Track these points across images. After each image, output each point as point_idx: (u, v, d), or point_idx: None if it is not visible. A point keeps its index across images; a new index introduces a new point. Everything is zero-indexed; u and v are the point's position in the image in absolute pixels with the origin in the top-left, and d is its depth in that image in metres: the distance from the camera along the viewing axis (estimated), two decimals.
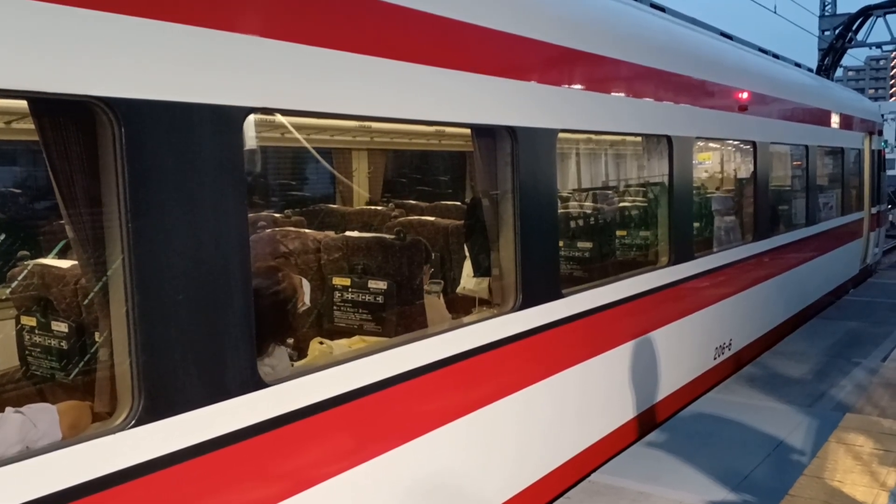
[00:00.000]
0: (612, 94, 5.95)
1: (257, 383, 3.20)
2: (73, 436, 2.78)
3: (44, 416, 2.80)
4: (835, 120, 12.22)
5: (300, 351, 4.60)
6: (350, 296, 4.95)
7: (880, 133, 16.40)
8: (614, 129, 6.31)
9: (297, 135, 4.75)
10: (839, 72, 26.30)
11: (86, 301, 3.51)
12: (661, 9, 7.99)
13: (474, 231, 5.53)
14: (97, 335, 3.35)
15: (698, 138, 7.45)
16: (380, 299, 4.83)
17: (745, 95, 8.27)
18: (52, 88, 2.53)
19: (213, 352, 3.03)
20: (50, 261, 4.02)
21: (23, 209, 5.41)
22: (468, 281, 5.81)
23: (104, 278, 2.89)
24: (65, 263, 3.91)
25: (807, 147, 10.70)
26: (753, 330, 8.95)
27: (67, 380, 3.64)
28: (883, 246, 17.99)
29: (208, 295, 2.99)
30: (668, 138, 6.73)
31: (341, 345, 4.55)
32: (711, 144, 9.07)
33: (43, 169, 2.98)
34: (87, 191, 2.83)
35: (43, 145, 2.82)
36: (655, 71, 6.55)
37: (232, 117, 3.06)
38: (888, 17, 21.81)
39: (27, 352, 3.93)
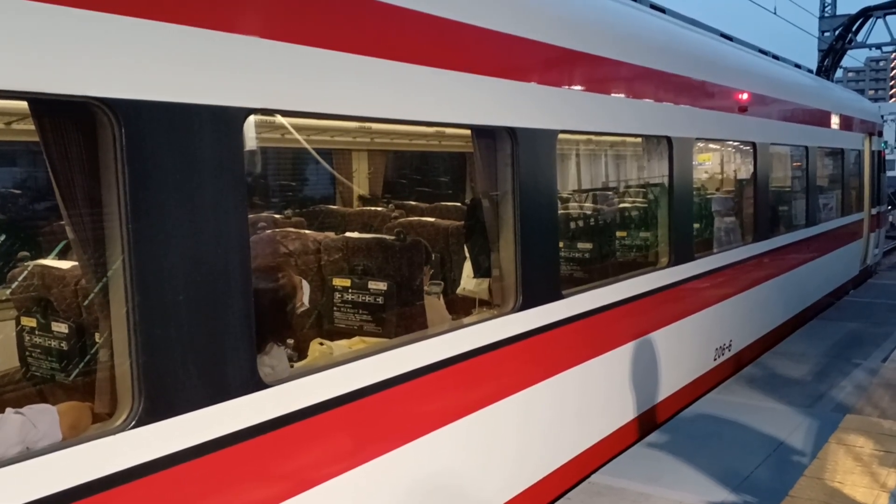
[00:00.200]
0: (612, 94, 5.95)
1: (257, 384, 3.20)
2: (73, 437, 2.78)
3: (44, 417, 2.80)
4: (835, 121, 12.22)
5: (300, 352, 4.60)
6: (350, 297, 4.94)
7: (880, 134, 16.40)
8: (614, 130, 6.31)
9: (297, 136, 4.75)
10: (839, 73, 26.31)
11: (86, 302, 3.51)
12: (661, 10, 8.00)
13: (474, 232, 5.53)
14: (97, 336, 3.35)
15: (698, 139, 7.45)
16: (380, 300, 4.83)
17: (744, 96, 8.27)
18: (52, 89, 2.53)
19: (214, 353, 3.03)
20: (50, 261, 4.02)
21: (23, 210, 5.41)
22: (468, 282, 5.80)
23: (104, 279, 2.89)
24: (65, 264, 3.91)
25: (807, 148, 10.70)
26: (753, 331, 8.95)
27: (67, 381, 3.64)
28: (883, 247, 18.00)
29: (208, 296, 2.99)
30: (668, 139, 6.73)
31: (341, 346, 4.55)
32: (711, 145, 9.08)
33: (43, 170, 2.98)
34: (88, 191, 2.83)
35: (43, 146, 2.82)
36: (655, 72, 6.56)
37: (232, 118, 3.06)
38: (888, 18, 21.80)
39: (27, 353, 3.93)
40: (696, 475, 5.48)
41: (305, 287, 4.31)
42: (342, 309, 5.00)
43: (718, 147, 9.63)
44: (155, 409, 2.82)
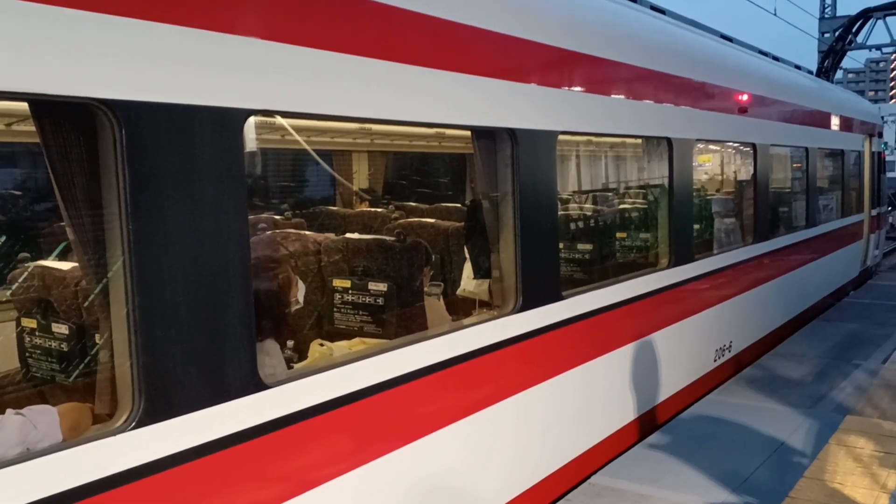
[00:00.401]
0: (613, 96, 5.96)
1: (257, 385, 3.20)
2: (73, 437, 2.78)
3: (44, 418, 2.80)
4: (834, 122, 12.23)
5: (300, 353, 4.60)
6: (350, 298, 4.94)
7: (880, 135, 16.40)
8: (614, 131, 6.31)
9: (297, 137, 4.75)
10: (839, 74, 26.29)
11: (86, 303, 3.51)
12: (661, 11, 8.00)
13: (474, 233, 5.53)
14: (97, 337, 3.35)
15: (698, 140, 7.45)
16: (380, 301, 4.83)
17: (744, 97, 8.28)
18: (52, 90, 2.54)
19: (214, 354, 3.03)
20: (50, 263, 4.02)
21: (23, 211, 5.41)
22: (468, 283, 5.81)
23: (105, 280, 2.89)
24: (65, 265, 3.91)
25: (807, 149, 10.70)
26: (753, 332, 8.95)
27: (68, 381, 3.64)
28: (883, 248, 17.99)
29: (208, 297, 2.99)
30: (668, 140, 6.74)
31: (341, 347, 4.55)
32: (711, 146, 9.08)
33: (43, 171, 2.98)
34: (88, 192, 2.83)
35: (44, 147, 2.83)
36: (655, 73, 6.56)
37: (232, 119, 3.07)
38: (888, 19, 21.81)
39: (28, 354, 3.93)
40: (697, 476, 5.48)
41: (301, 285, 4.31)
42: (342, 310, 5.00)
43: (718, 148, 9.63)
44: (155, 409, 2.82)
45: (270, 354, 3.86)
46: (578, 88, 5.46)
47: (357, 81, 3.65)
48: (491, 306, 5.10)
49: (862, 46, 22.83)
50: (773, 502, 5.03)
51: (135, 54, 2.74)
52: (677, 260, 6.86)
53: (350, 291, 4.95)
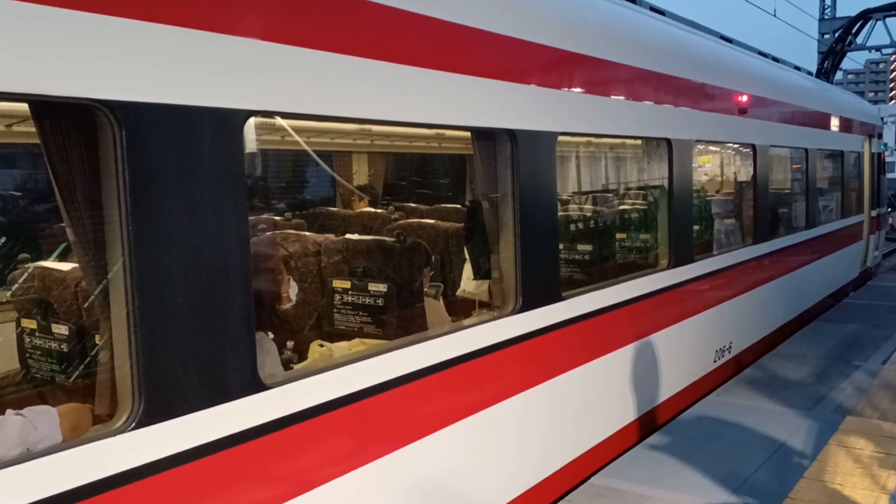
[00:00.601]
0: (612, 97, 5.96)
1: (257, 385, 3.20)
2: (73, 438, 2.78)
3: (44, 419, 2.80)
4: (834, 123, 12.23)
5: (300, 353, 4.60)
6: (350, 298, 4.94)
7: (880, 136, 16.41)
8: (614, 132, 6.31)
9: (297, 138, 4.75)
10: (839, 75, 26.29)
11: (86, 304, 3.51)
12: (661, 12, 8.00)
13: (474, 234, 5.53)
14: (97, 338, 3.35)
15: (698, 141, 7.46)
16: (380, 302, 4.83)
17: (744, 98, 8.28)
18: (53, 91, 2.54)
19: (214, 354, 3.03)
20: (50, 263, 4.03)
21: (23, 212, 5.41)
22: (468, 283, 5.81)
23: (105, 281, 2.89)
24: (65, 266, 3.91)
25: (806, 150, 10.71)
26: (753, 333, 8.95)
27: (68, 382, 3.64)
28: (883, 249, 17.99)
29: (208, 297, 3.00)
30: (668, 141, 6.74)
31: (341, 347, 4.55)
32: (711, 147, 9.08)
33: (44, 172, 2.98)
34: (88, 193, 2.83)
35: (44, 148, 2.83)
36: (655, 74, 6.56)
37: (232, 120, 3.07)
38: (888, 20, 21.82)
39: (28, 354, 3.93)
40: (697, 477, 5.48)
41: (293, 284, 4.32)
42: (342, 311, 5.00)
43: (718, 149, 9.64)
44: (155, 410, 2.82)
45: (265, 354, 3.86)
46: (578, 89, 5.47)
47: (357, 82, 3.65)
48: (491, 307, 5.11)
49: (862, 47, 22.85)
50: (773, 503, 5.03)
51: (135, 55, 2.74)
52: (677, 261, 6.86)
53: (350, 292, 4.96)
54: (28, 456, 2.58)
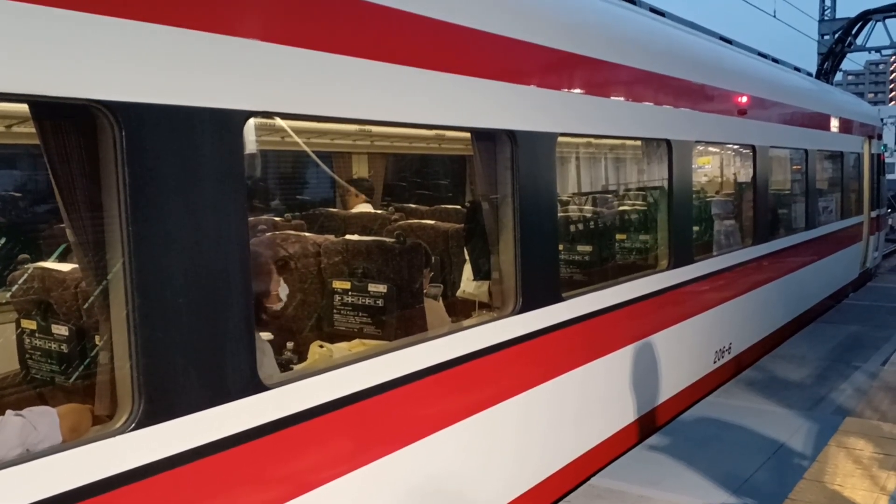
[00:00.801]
0: (612, 97, 5.96)
1: (257, 386, 3.20)
2: (73, 439, 2.78)
3: (44, 420, 2.80)
4: (834, 124, 12.23)
5: (300, 354, 4.60)
6: (350, 299, 4.94)
7: (880, 137, 16.42)
8: (614, 133, 6.32)
9: (296, 138, 4.76)
10: (839, 76, 26.30)
11: (86, 304, 3.51)
12: (661, 13, 8.01)
13: (474, 234, 5.53)
14: (97, 338, 3.35)
15: (698, 142, 7.46)
16: (380, 303, 4.83)
17: (744, 99, 8.29)
18: (53, 92, 2.54)
19: (214, 355, 3.04)
20: (50, 264, 4.03)
21: (23, 213, 5.42)
22: (468, 284, 5.81)
23: (104, 281, 2.89)
24: (65, 267, 3.91)
25: (806, 151, 10.71)
26: (753, 333, 8.95)
27: (68, 383, 3.64)
28: (882, 250, 18.00)
29: (208, 298, 3.00)
30: (668, 142, 6.74)
31: (341, 348, 4.55)
32: (711, 148, 9.09)
33: (43, 172, 2.98)
34: (88, 194, 2.83)
35: (44, 149, 2.83)
36: (655, 75, 6.57)
37: (232, 121, 3.07)
38: (887, 21, 21.83)
39: (27, 355, 3.93)
40: (696, 478, 5.48)
41: (283, 285, 4.32)
42: (342, 311, 5.00)
43: (718, 150, 9.64)
44: (155, 411, 2.82)
45: (265, 353, 3.86)
46: (578, 90, 5.47)
47: (357, 83, 3.65)
48: (491, 308, 5.11)
49: (861, 48, 22.86)
50: None
51: (135, 56, 2.74)
52: (677, 262, 6.86)
53: (350, 293, 4.95)
54: (28, 457, 2.58)
